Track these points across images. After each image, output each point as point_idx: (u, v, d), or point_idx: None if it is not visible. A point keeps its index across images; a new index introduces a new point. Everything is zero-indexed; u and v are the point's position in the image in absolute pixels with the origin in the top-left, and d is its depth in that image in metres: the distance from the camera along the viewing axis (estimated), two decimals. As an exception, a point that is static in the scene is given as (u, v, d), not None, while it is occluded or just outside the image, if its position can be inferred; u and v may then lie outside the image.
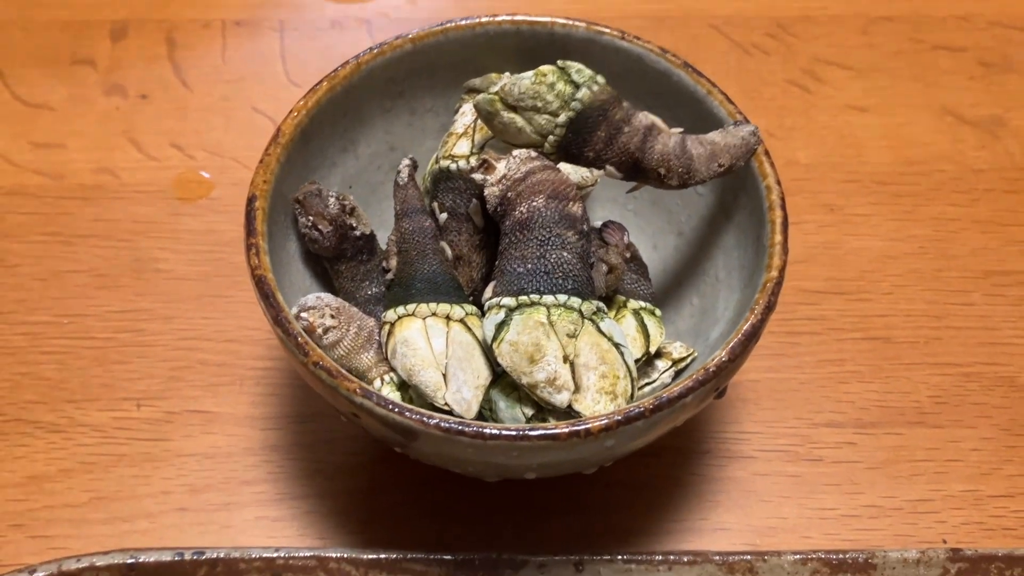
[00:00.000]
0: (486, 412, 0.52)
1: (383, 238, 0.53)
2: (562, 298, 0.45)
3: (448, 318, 0.51)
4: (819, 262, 0.70)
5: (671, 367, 0.55)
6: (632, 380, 0.50)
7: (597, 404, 0.48)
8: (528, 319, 0.45)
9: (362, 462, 0.55)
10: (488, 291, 0.52)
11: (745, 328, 0.48)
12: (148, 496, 0.59)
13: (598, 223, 0.59)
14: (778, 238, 0.51)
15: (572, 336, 0.49)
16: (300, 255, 0.51)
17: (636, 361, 0.54)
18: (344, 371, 0.46)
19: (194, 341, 0.65)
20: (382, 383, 0.53)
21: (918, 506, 0.60)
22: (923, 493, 0.60)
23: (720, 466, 0.62)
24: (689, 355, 0.56)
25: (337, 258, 0.51)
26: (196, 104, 0.77)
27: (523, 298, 0.45)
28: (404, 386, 0.52)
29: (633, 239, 0.62)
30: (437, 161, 0.58)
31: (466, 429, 0.44)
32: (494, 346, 0.49)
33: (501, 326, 0.45)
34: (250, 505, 0.58)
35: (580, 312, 0.46)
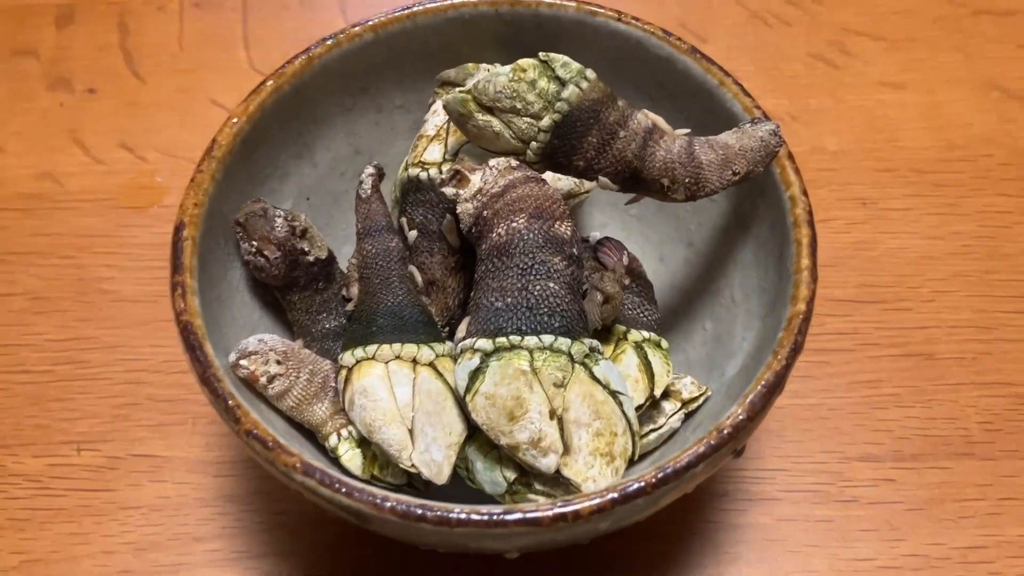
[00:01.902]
0: (462, 471, 0.45)
1: (349, 256, 0.45)
2: (548, 339, 0.39)
3: (415, 362, 0.44)
4: (850, 266, 0.62)
5: (680, 409, 0.47)
6: (633, 436, 0.42)
7: (591, 468, 0.41)
8: (507, 366, 0.39)
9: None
10: (461, 329, 0.44)
11: (767, 378, 0.40)
12: (87, 557, 0.52)
13: (595, 234, 0.51)
14: (805, 263, 0.43)
15: (560, 386, 0.41)
16: (246, 285, 0.46)
17: (638, 408, 0.45)
18: (281, 443, 0.38)
19: (142, 373, 0.57)
20: (339, 439, 0.45)
21: (968, 554, 0.52)
22: (974, 539, 0.53)
23: (739, 510, 0.54)
24: (702, 394, 0.47)
25: (288, 287, 0.44)
26: (149, 98, 0.69)
27: (501, 340, 0.40)
28: (366, 441, 0.44)
29: (637, 249, 0.54)
30: (406, 168, 0.50)
31: (428, 514, 0.36)
32: (467, 399, 0.42)
33: (476, 374, 0.40)
34: (203, 567, 0.51)
35: (569, 356, 0.40)
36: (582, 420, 0.39)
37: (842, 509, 0.52)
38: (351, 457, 0.45)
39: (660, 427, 0.47)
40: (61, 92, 0.69)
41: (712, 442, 0.39)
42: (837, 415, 0.58)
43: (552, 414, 0.39)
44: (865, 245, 0.63)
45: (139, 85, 0.70)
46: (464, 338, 0.44)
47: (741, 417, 0.39)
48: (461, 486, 0.44)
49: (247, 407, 0.40)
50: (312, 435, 0.46)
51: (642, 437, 0.47)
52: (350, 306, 0.48)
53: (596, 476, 0.41)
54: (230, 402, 0.40)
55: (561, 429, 0.39)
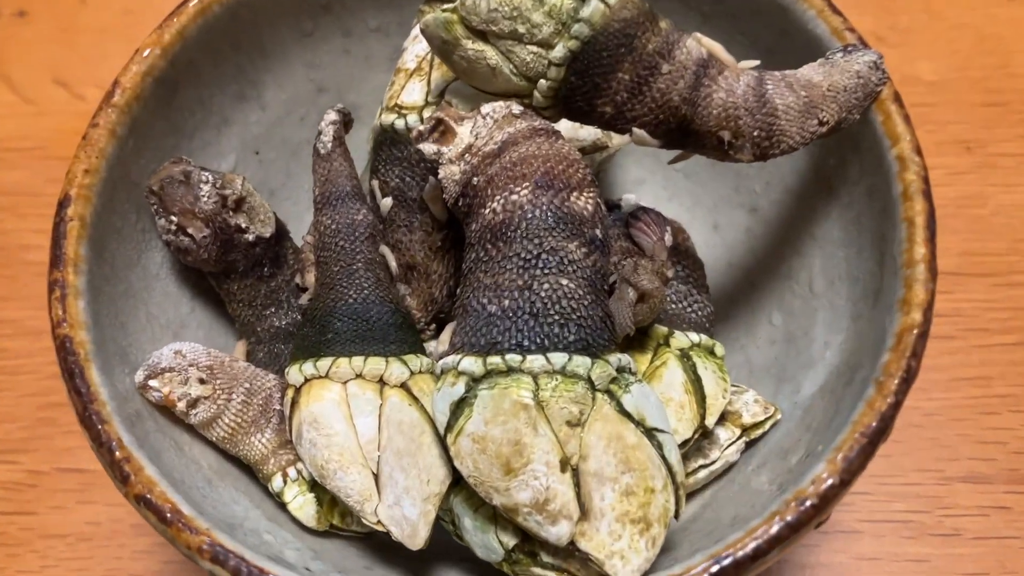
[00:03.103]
0: (447, 524, 0.33)
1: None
2: (559, 360, 0.31)
3: (382, 382, 0.32)
4: (950, 228, 0.50)
5: (739, 437, 0.35)
6: (676, 490, 0.31)
7: (618, 540, 0.29)
8: (502, 398, 0.30)
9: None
10: (444, 340, 0.33)
11: (869, 423, 0.28)
12: (-2, 599, 0.42)
13: (627, 197, 0.39)
14: (920, 252, 0.31)
15: (576, 425, 0.30)
16: (171, 271, 0.38)
17: (684, 444, 0.34)
18: (182, 514, 0.27)
19: (70, 366, 0.46)
20: (285, 481, 0.34)
21: (1107, 608, 0.41)
22: (1113, 587, 0.41)
23: (808, 546, 0.44)
24: (768, 418, 0.36)
25: (225, 274, 0.37)
26: (89, 22, 0.58)
27: (495, 360, 0.31)
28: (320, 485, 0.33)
29: (683, 215, 0.42)
30: (381, 114, 0.38)
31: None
32: (449, 441, 0.30)
33: (460, 407, 0.31)
34: (138, 612, 0.41)
35: (589, 382, 0.31)
36: (606, 473, 0.29)
37: (941, 545, 0.43)
38: (301, 505, 0.34)
39: (712, 463, 0.35)
40: (-13, 15, 0.57)
41: (789, 518, 0.27)
42: (934, 423, 0.46)
43: (564, 465, 0.30)
44: (970, 201, 0.51)
45: (78, 6, 0.58)
46: (446, 353, 0.32)
47: (831, 483, 0.28)
48: (450, 543, 0.33)
49: (141, 459, 0.29)
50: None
51: (689, 474, 0.35)
52: (305, 298, 0.37)
53: (625, 551, 0.29)
54: (117, 453, 0.29)
55: (577, 485, 0.30)
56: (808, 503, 0.28)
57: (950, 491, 0.44)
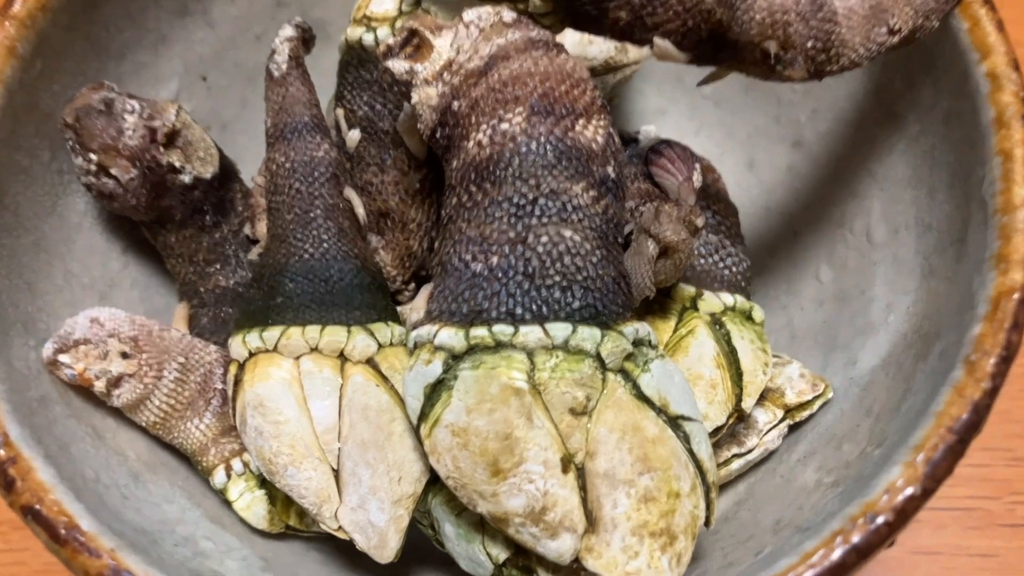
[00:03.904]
0: (425, 528, 0.27)
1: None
2: (560, 331, 0.25)
3: (343, 357, 0.26)
4: None
5: (782, 420, 0.29)
6: (707, 493, 0.25)
7: (634, 558, 0.24)
8: (489, 380, 0.25)
9: None
10: (417, 305, 0.27)
11: (957, 415, 0.22)
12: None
13: (646, 129, 0.33)
14: (1021, 193, 0.24)
15: (581, 413, 0.24)
16: (97, 220, 0.33)
17: (716, 432, 0.27)
18: (81, 531, 0.21)
19: None
20: (229, 475, 0.28)
21: None
22: None
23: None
24: (817, 396, 0.29)
25: (159, 223, 0.32)
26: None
27: (480, 332, 0.25)
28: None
29: (712, 151, 0.36)
30: (348, 29, 0.31)
31: None
32: (423, 432, 0.24)
33: (437, 391, 0.25)
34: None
35: (598, 359, 0.25)
36: (619, 474, 0.25)
37: (1012, 537, 0.38)
38: (248, 503, 0.29)
39: (748, 451, 0.29)
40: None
41: (856, 540, 0.21)
42: (1003, 393, 0.39)
43: (566, 464, 0.25)
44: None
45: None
46: (421, 323, 0.26)
47: (909, 493, 0.21)
48: (430, 551, 0.28)
49: (32, 459, 0.23)
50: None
51: (720, 465, 0.29)
52: (255, 253, 0.30)
53: (643, 571, 0.23)
54: (1, 452, 0.22)
55: (583, 490, 0.25)
56: (880, 520, 0.22)
57: (1022, 474, 0.39)
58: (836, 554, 0.21)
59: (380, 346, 0.28)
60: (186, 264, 0.32)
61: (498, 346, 0.25)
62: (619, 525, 0.24)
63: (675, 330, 0.29)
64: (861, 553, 0.21)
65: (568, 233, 0.25)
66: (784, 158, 0.36)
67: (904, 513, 0.22)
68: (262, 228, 0.31)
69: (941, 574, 0.38)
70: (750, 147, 0.37)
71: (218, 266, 0.32)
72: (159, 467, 0.29)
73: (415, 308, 0.27)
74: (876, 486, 0.23)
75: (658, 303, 0.30)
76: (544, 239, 0.25)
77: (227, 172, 0.32)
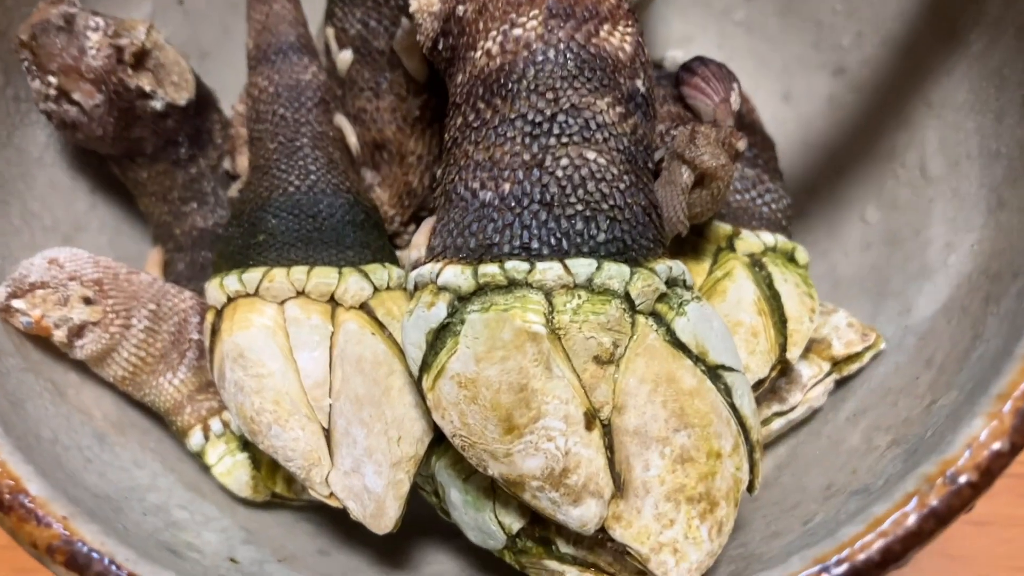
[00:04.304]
0: (428, 495, 0.24)
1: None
2: (584, 268, 0.22)
3: (333, 301, 0.23)
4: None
5: (828, 374, 0.26)
6: (751, 453, 0.21)
7: (669, 528, 0.21)
8: (502, 324, 0.21)
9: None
10: (417, 241, 0.23)
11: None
12: None
13: (672, 54, 0.29)
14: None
15: (607, 362, 0.20)
16: (60, 155, 0.29)
17: (758, 386, 0.24)
18: (29, 490, 0.18)
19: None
20: (207, 437, 0.25)
21: None
22: None
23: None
24: (868, 348, 0.26)
25: (129, 157, 0.28)
26: None
27: (490, 269, 0.22)
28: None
29: (743, 82, 0.32)
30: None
31: None
32: (425, 384, 0.21)
33: (442, 337, 0.22)
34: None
35: (627, 299, 0.22)
36: (652, 431, 0.22)
37: None
38: (229, 468, 0.25)
39: (791, 409, 0.26)
40: None
41: (935, 503, 0.18)
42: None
43: (591, 420, 0.22)
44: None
45: None
46: (420, 261, 0.22)
47: (996, 448, 0.18)
48: (434, 520, 0.24)
49: None
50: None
51: (762, 424, 0.26)
52: (235, 189, 0.27)
53: (679, 542, 0.20)
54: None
55: (610, 449, 0.22)
56: (963, 480, 0.18)
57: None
58: (912, 520, 0.18)
59: (376, 289, 0.24)
60: (160, 203, 0.29)
61: (511, 285, 0.21)
62: (651, 490, 0.21)
63: (710, 273, 0.26)
64: (940, 518, 0.18)
65: (591, 155, 0.22)
66: (824, 87, 0.32)
67: (990, 472, 0.19)
68: (243, 162, 0.28)
69: (994, 547, 0.34)
70: (786, 77, 0.33)
71: (195, 205, 0.29)
72: (128, 428, 0.26)
73: (415, 245, 0.24)
74: (954, 442, 0.19)
75: (690, 243, 0.27)
76: (564, 162, 0.22)
77: (204, 100, 0.29)
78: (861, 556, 0.18)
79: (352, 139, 0.27)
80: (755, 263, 0.26)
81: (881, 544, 0.18)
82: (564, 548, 0.23)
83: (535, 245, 0.22)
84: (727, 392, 0.22)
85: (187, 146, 0.28)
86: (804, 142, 0.33)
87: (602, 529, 0.21)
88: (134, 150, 0.28)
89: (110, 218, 0.30)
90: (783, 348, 0.25)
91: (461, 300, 0.22)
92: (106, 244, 0.30)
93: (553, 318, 0.21)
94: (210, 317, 0.25)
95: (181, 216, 0.29)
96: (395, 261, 0.26)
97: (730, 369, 0.22)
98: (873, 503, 0.19)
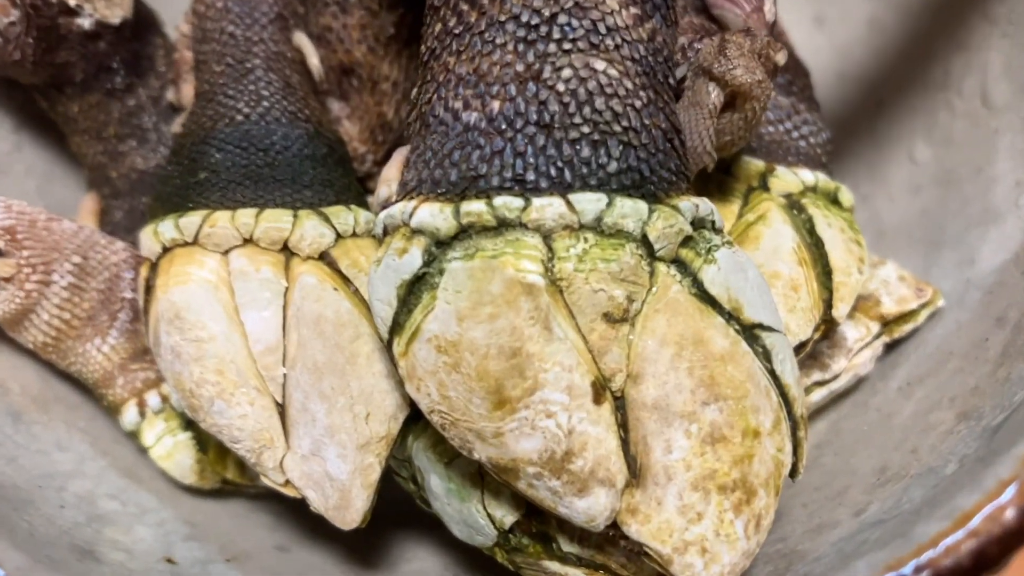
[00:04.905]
0: (404, 481, 0.20)
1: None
2: (590, 204, 0.18)
3: (287, 250, 0.19)
4: None
5: (877, 337, 0.22)
6: (795, 431, 0.17)
7: (695, 524, 0.16)
8: (490, 274, 0.18)
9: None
10: (388, 175, 0.19)
11: None
12: None
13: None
14: None
15: (620, 320, 0.16)
16: None
17: (800, 348, 0.20)
18: None
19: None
20: (142, 414, 0.21)
21: None
22: None
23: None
24: (923, 305, 0.22)
25: (57, 87, 0.24)
26: None
27: (475, 207, 0.18)
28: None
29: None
30: None
31: None
32: (396, 349, 0.17)
33: (416, 291, 0.18)
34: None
35: (644, 243, 0.18)
36: (674, 404, 0.18)
37: None
38: (169, 451, 0.22)
39: (833, 378, 0.22)
40: None
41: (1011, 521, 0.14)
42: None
43: (600, 391, 0.18)
44: None
45: None
46: (391, 199, 0.18)
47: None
48: (415, 509, 0.21)
49: None
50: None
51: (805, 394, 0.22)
52: (179, 124, 0.23)
53: (709, 540, 0.17)
54: None
55: (623, 428, 0.18)
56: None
57: None
58: (1010, 514, 0.14)
59: (339, 236, 0.20)
60: (93, 142, 0.25)
61: (501, 226, 0.17)
62: (675, 476, 0.17)
63: (740, 216, 0.22)
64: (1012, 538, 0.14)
65: (600, 65, 0.18)
66: (862, 9, 0.28)
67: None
68: (188, 91, 0.24)
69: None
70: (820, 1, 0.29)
71: (134, 143, 0.24)
72: (53, 404, 0.22)
73: (385, 179, 0.20)
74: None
75: (715, 182, 0.23)
76: (566, 73, 0.18)
77: (144, 20, 0.25)
78: (946, 562, 0.14)
79: (314, 60, 0.23)
80: (793, 205, 0.22)
81: (972, 546, 0.14)
82: (567, 547, 0.19)
83: (531, 176, 0.18)
84: (766, 356, 0.18)
85: (123, 74, 0.24)
86: (839, 73, 0.28)
87: (614, 524, 0.18)
88: (61, 78, 0.24)
89: (39, 161, 0.26)
90: (828, 304, 0.21)
91: (440, 246, 0.18)
92: (34, 191, 0.25)
93: (553, 266, 0.17)
94: (144, 271, 0.21)
95: (118, 156, 0.24)
96: (364, 203, 0.22)
97: (769, 329, 0.18)
98: (954, 493, 0.16)
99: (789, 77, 0.25)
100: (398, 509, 0.22)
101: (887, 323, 0.23)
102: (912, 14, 0.27)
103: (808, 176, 0.23)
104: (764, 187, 0.23)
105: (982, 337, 0.21)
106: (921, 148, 0.26)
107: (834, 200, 0.23)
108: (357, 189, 0.22)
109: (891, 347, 0.24)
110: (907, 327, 0.23)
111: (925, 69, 0.27)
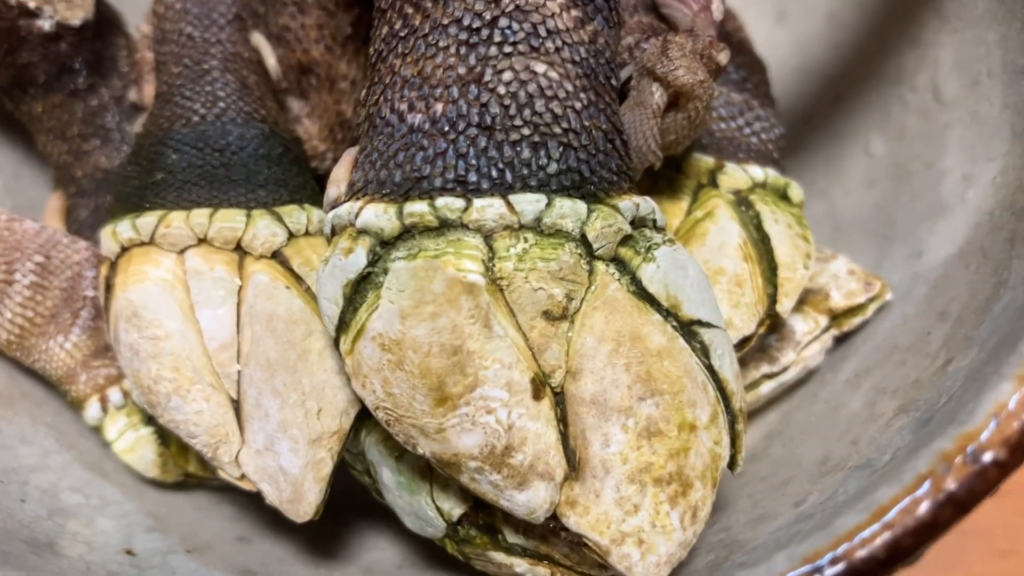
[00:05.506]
0: (360, 476, 0.21)
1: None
2: (531, 205, 0.18)
3: (241, 250, 0.19)
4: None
5: (826, 330, 0.22)
6: (733, 424, 0.18)
7: (632, 516, 0.17)
8: (432, 273, 0.18)
9: None
10: (337, 176, 0.20)
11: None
12: None
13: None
14: None
15: (559, 318, 0.16)
16: None
17: (743, 344, 0.21)
18: None
19: None
20: (105, 409, 0.22)
21: None
22: None
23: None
24: (872, 300, 0.22)
25: (20, 88, 0.25)
26: None
27: (418, 208, 0.18)
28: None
29: (730, 1, 0.27)
30: None
31: None
32: (343, 346, 0.17)
33: (362, 290, 0.19)
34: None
35: (583, 243, 0.19)
36: (612, 399, 0.18)
37: None
38: (132, 445, 0.22)
39: (783, 371, 0.22)
40: None
41: (952, 486, 0.15)
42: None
43: (539, 387, 0.18)
44: None
45: None
46: (339, 200, 0.19)
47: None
48: (370, 505, 0.21)
49: None
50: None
51: (750, 387, 0.23)
52: (139, 124, 0.23)
53: (645, 531, 0.17)
54: None
55: (562, 422, 0.18)
56: (987, 458, 0.15)
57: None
58: (925, 508, 0.15)
59: (291, 235, 0.21)
60: (58, 141, 0.25)
61: (443, 226, 0.18)
62: (612, 470, 0.18)
63: (688, 213, 0.22)
64: (960, 506, 0.15)
65: (541, 68, 0.18)
66: (822, 4, 0.28)
67: (1021, 448, 0.15)
68: (150, 91, 0.24)
69: (1014, 519, 0.31)
70: (779, -7, 0.29)
71: (98, 143, 0.25)
72: (19, 399, 0.23)
73: (334, 180, 0.20)
74: (976, 411, 0.16)
75: (666, 179, 0.23)
76: (507, 76, 0.18)
77: (106, 21, 0.25)
78: (861, 553, 0.15)
79: (271, 60, 0.23)
80: (741, 201, 0.23)
81: (887, 538, 0.15)
82: (512, 538, 0.19)
83: (472, 178, 0.18)
84: (704, 352, 0.19)
85: (86, 74, 0.24)
86: (799, 68, 0.29)
87: (554, 516, 0.18)
88: (23, 79, 0.24)
89: (6, 162, 0.26)
90: (773, 300, 0.22)
91: (384, 245, 0.18)
92: (1, 188, 0.26)
93: (494, 266, 0.18)
94: (104, 270, 0.21)
95: (82, 156, 0.25)
96: (318, 202, 0.22)
97: (708, 325, 0.19)
98: (877, 485, 0.16)
99: (744, 74, 0.25)
100: (358, 500, 0.23)
101: (836, 316, 0.24)
102: (869, 10, 0.27)
103: (758, 172, 0.23)
104: (713, 184, 0.23)
105: (925, 331, 0.22)
106: (876, 142, 0.27)
107: (783, 196, 0.24)
108: (313, 188, 0.23)
109: (841, 340, 0.24)
110: (856, 320, 0.24)
111: (880, 64, 0.27)
